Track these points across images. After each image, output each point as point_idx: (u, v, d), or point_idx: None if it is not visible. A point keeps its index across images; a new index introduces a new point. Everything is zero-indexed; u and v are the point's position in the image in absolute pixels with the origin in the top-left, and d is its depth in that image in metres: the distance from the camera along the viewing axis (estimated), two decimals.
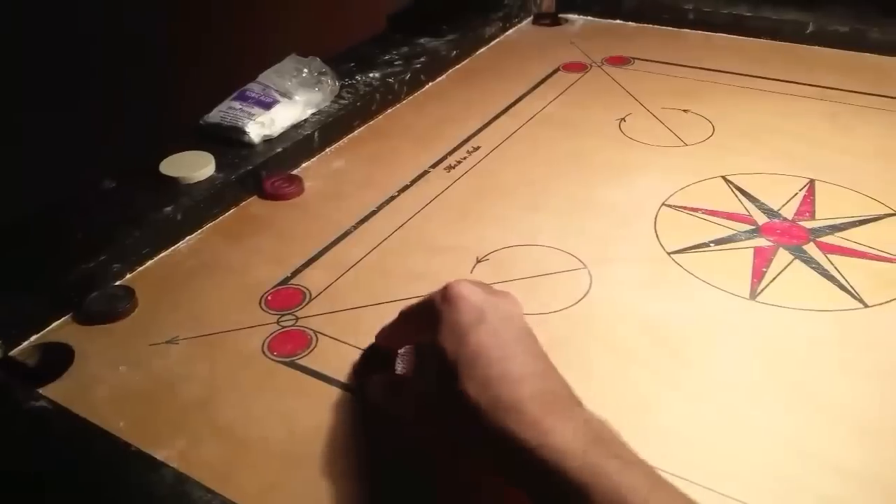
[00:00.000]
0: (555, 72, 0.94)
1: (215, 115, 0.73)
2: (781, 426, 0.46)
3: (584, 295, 0.57)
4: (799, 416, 0.47)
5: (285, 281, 0.60)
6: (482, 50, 1.02)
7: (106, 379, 0.51)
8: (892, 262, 0.59)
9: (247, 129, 0.72)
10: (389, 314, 0.49)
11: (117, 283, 0.60)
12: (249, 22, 0.93)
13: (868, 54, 0.93)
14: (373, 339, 0.51)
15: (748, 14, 1.01)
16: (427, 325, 0.42)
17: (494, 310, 0.40)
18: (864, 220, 0.63)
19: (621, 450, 0.35)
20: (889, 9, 0.95)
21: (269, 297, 0.58)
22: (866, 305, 0.55)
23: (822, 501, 0.42)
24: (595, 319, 0.55)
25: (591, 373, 0.50)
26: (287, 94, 0.75)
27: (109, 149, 0.75)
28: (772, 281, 0.57)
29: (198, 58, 0.86)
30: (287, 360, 0.52)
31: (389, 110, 0.87)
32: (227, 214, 0.69)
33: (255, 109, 0.73)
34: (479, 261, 0.61)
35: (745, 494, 0.42)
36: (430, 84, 0.93)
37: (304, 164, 0.76)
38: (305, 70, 0.78)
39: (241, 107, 0.73)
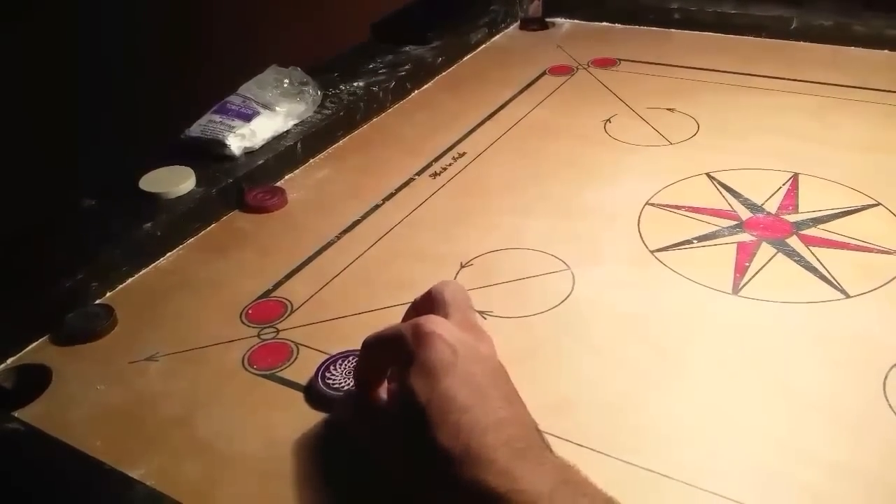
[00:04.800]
0: (541, 76, 0.94)
1: (195, 129, 0.73)
2: (765, 420, 0.45)
3: (568, 296, 0.57)
4: (781, 409, 0.46)
5: (266, 294, 0.60)
6: (468, 56, 1.02)
7: (84, 398, 0.51)
8: (874, 252, 0.58)
9: (227, 142, 0.71)
10: (372, 323, 0.48)
11: (96, 301, 0.59)
12: (229, 34, 0.93)
13: (852, 48, 0.93)
14: (350, 347, 0.51)
15: (733, 12, 1.00)
16: (395, 359, 0.41)
17: (466, 349, 0.39)
18: (847, 211, 0.63)
19: (588, 489, 0.35)
20: (871, 2, 0.95)
21: (250, 311, 0.58)
22: (848, 296, 0.54)
23: (804, 494, 0.41)
24: (578, 320, 0.55)
25: (576, 374, 0.50)
26: (268, 106, 0.75)
27: (88, 166, 0.75)
28: (754, 275, 0.57)
29: (178, 72, 0.86)
30: (267, 373, 0.52)
31: (374, 119, 0.86)
32: (208, 229, 0.68)
33: (236, 122, 0.73)
34: (463, 266, 0.61)
35: (729, 489, 0.41)
36: (416, 92, 0.93)
37: (287, 176, 0.76)
38: (286, 81, 0.78)
39: (221, 120, 0.73)
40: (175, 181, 0.68)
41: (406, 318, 0.46)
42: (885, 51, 0.91)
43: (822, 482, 0.41)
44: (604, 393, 0.48)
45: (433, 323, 0.40)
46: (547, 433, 0.45)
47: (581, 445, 0.44)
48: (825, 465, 0.42)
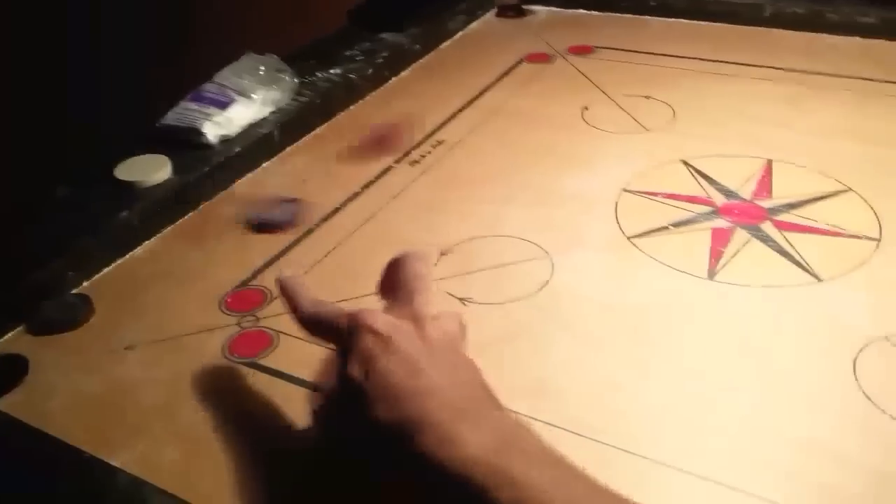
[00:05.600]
0: (518, 63, 0.94)
1: (171, 117, 0.72)
2: (741, 402, 0.46)
3: (547, 283, 0.57)
4: (757, 391, 0.47)
5: (245, 282, 0.60)
6: (446, 43, 1.02)
7: (62, 388, 0.50)
8: (845, 237, 0.59)
9: (203, 130, 0.71)
10: None
11: (73, 291, 0.59)
12: (203, 20, 0.92)
13: (825, 35, 0.94)
14: None
15: None
16: (332, 342, 0.41)
17: (402, 334, 0.39)
18: (819, 197, 0.64)
19: (530, 448, 0.35)
20: None
21: (229, 299, 0.58)
22: (820, 280, 0.55)
23: (780, 473, 0.42)
24: (557, 306, 0.55)
25: (555, 359, 0.51)
26: (244, 93, 0.75)
27: (63, 154, 0.74)
28: (729, 260, 0.58)
29: (152, 59, 0.85)
30: (248, 361, 0.52)
31: (352, 107, 0.86)
32: (185, 217, 0.68)
33: (211, 109, 0.72)
34: (442, 253, 0.61)
35: (708, 470, 0.42)
36: (394, 79, 0.92)
37: (264, 164, 0.76)
38: (262, 68, 0.78)
39: (196, 107, 0.72)
40: (151, 169, 0.67)
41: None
42: (858, 38, 0.93)
43: (795, 460, 0.43)
44: (582, 377, 0.49)
45: (367, 315, 0.40)
46: (527, 416, 0.45)
47: (560, 428, 0.45)
48: (798, 444, 0.43)
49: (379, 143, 0.75)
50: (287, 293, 0.45)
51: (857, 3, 0.94)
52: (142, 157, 0.69)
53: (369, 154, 0.74)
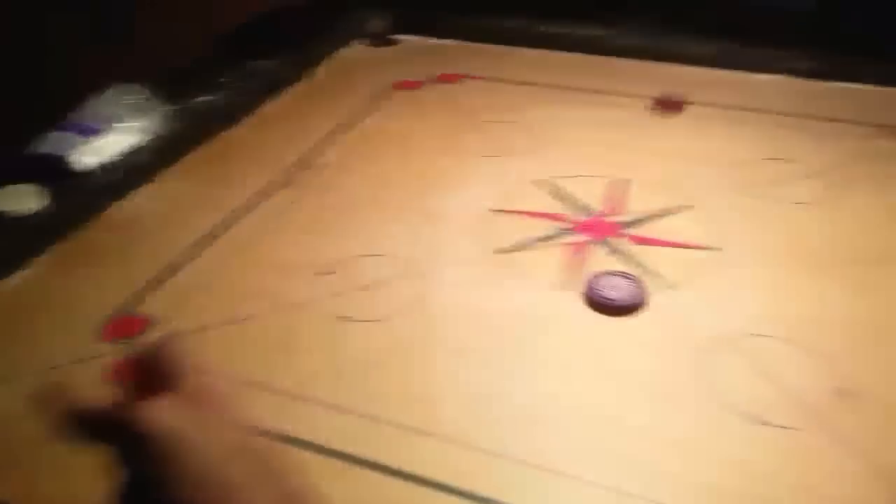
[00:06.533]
0: (390, 90, 0.97)
1: (42, 146, 0.71)
2: (597, 400, 0.52)
3: (421, 299, 0.61)
4: (612, 390, 0.52)
5: (124, 309, 0.59)
6: (317, 70, 1.04)
7: None
8: (689, 248, 0.66)
9: (76, 158, 0.70)
10: (234, 335, 0.50)
11: None
12: (73, 50, 0.90)
13: (672, 65, 1.01)
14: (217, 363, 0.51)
15: (560, 31, 1.08)
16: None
17: (195, 430, 0.31)
18: (666, 212, 0.71)
19: None
20: (672, 25, 1.06)
21: (107, 327, 0.57)
22: (669, 287, 0.62)
23: (641, 468, 0.47)
24: (433, 320, 0.59)
25: (433, 370, 0.54)
26: (114, 122, 0.75)
27: None
28: (587, 271, 0.63)
29: (19, 89, 0.82)
30: None
31: (226, 132, 0.87)
32: (59, 246, 0.67)
33: (83, 137, 0.71)
34: (321, 274, 0.63)
35: (568, 464, 0.47)
36: (266, 104, 0.93)
37: (138, 189, 0.75)
38: (132, 97, 0.78)
39: (68, 136, 0.71)
40: (21, 199, 0.66)
41: (134, 372, 0.35)
42: (700, 68, 1.01)
43: (652, 453, 0.48)
44: (457, 386, 0.53)
45: (150, 417, 0.31)
46: (409, 427, 0.49)
47: (439, 437, 0.49)
48: (654, 439, 0.49)
49: None
50: (51, 392, 0.34)
51: (696, 37, 1.04)
52: (13, 186, 0.68)
53: None
